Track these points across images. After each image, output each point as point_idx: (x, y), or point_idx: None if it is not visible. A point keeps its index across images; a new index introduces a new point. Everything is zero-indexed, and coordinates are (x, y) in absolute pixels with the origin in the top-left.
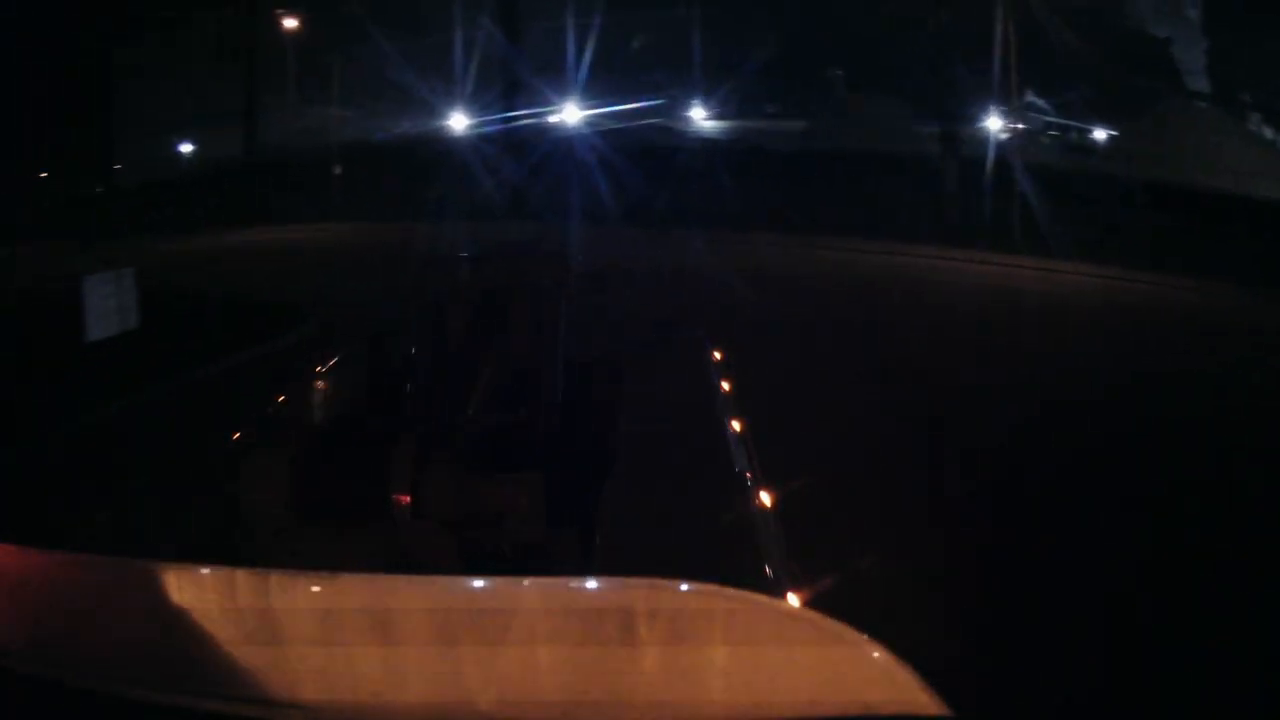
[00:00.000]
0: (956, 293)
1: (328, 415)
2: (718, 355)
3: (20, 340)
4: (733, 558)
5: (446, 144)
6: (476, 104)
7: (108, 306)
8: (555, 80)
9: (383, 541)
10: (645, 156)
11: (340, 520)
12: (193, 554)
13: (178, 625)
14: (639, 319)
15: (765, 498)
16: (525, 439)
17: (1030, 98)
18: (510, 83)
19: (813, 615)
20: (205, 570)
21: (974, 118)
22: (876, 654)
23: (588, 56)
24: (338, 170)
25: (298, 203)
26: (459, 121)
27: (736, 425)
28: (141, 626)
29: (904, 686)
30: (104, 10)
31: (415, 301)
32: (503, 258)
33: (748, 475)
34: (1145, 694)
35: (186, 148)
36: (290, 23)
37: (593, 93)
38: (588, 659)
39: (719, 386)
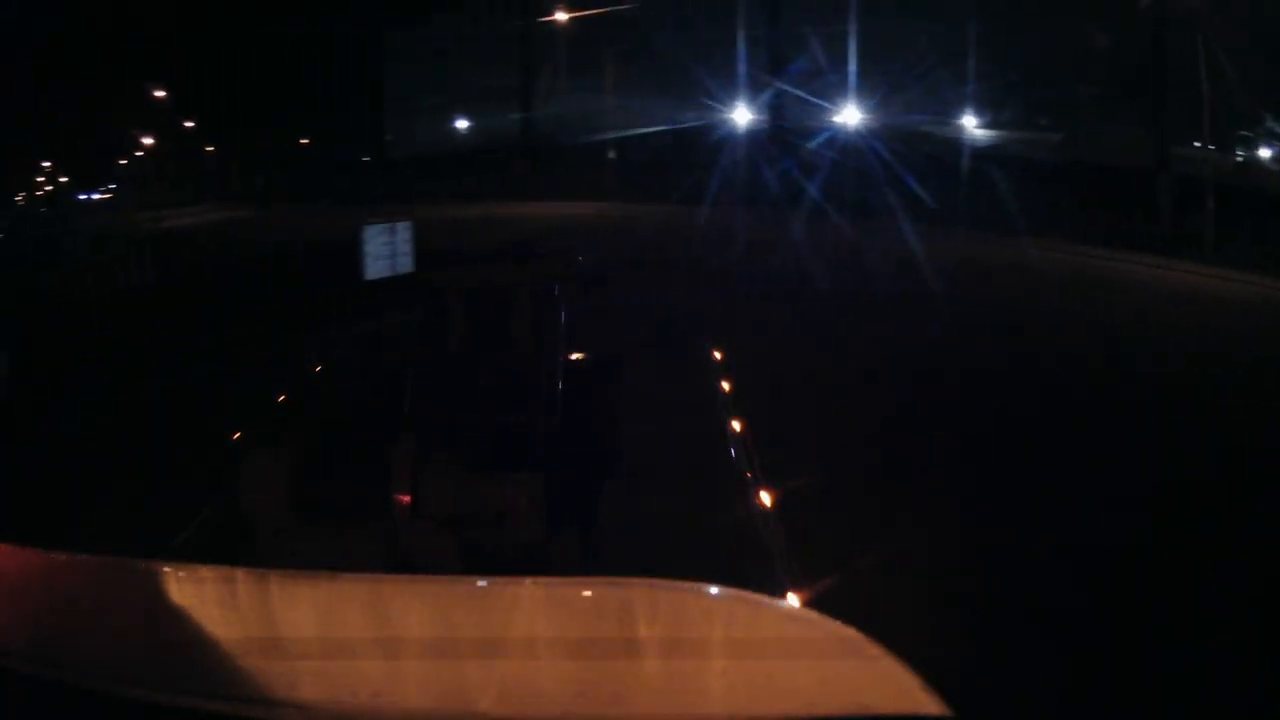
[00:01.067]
0: (1151, 297)
1: (328, 415)
2: (718, 355)
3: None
4: (733, 558)
5: (716, 136)
6: (748, 101)
7: (383, 253)
8: (832, 83)
9: (383, 541)
10: (914, 159)
11: (340, 520)
12: (193, 554)
13: (178, 625)
14: (640, 319)
15: (765, 498)
16: (525, 439)
17: (1271, 124)
18: (779, 83)
19: (813, 615)
20: (205, 570)
21: (1214, 139)
22: (876, 654)
23: (849, 60)
24: (611, 155)
25: (571, 182)
26: (740, 115)
27: (737, 425)
28: (141, 626)
29: (904, 686)
30: None
31: (416, 301)
32: (503, 258)
33: (748, 475)
34: (1145, 693)
35: (463, 124)
36: (561, 14)
37: (869, 97)
38: (588, 659)
39: (719, 386)
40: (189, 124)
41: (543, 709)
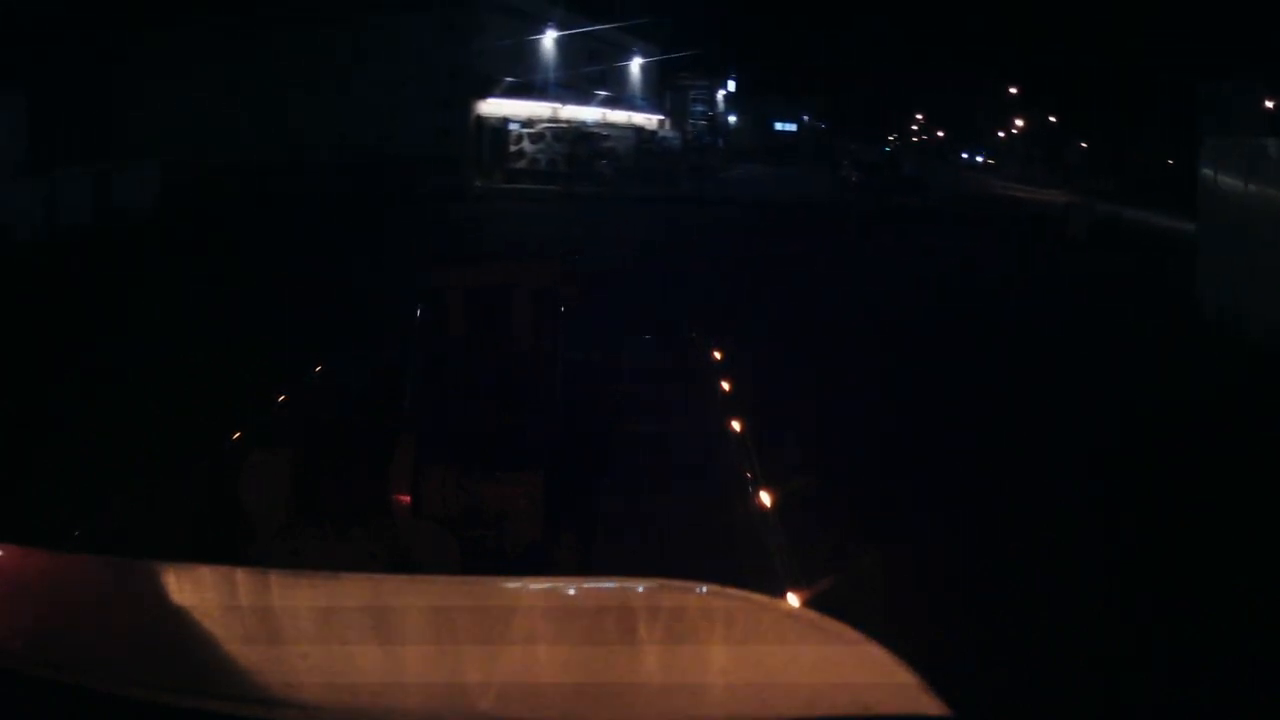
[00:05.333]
0: None
1: (328, 415)
2: (718, 355)
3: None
4: (733, 558)
5: None
6: None
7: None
8: None
9: (383, 541)
10: None
11: (340, 520)
12: (193, 554)
13: (178, 625)
14: (639, 319)
15: (765, 498)
16: (525, 439)
17: None
18: None
19: (813, 615)
20: (205, 570)
21: None
22: (876, 654)
23: None
24: None
25: None
26: None
27: (736, 425)
28: (141, 626)
29: (904, 686)
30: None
31: (416, 302)
32: (504, 259)
33: (748, 475)
34: (1144, 693)
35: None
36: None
37: None
38: (588, 659)
39: (719, 386)
40: (1052, 119)
41: (543, 709)
